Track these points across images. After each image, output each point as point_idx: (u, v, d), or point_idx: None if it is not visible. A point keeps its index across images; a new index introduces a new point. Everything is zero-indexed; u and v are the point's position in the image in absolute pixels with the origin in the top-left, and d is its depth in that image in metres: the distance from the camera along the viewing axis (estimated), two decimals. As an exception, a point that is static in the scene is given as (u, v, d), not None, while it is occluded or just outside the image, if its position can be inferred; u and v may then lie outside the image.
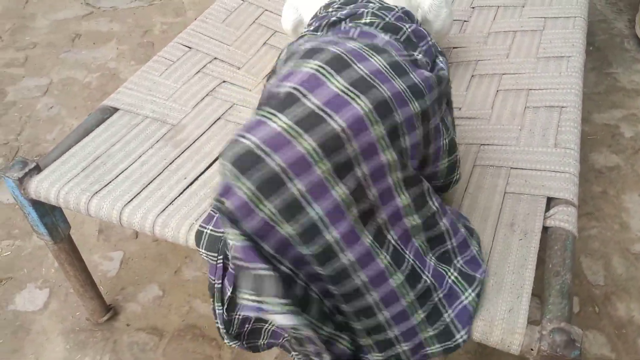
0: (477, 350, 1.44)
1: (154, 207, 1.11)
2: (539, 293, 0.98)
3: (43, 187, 1.16)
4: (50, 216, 1.25)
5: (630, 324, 1.49)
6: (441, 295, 0.90)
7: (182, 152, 1.25)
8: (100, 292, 1.50)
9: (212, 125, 1.33)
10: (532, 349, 0.86)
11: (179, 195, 1.14)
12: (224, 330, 1.00)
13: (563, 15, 1.64)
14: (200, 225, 1.06)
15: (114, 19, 2.76)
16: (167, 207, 1.12)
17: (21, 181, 1.16)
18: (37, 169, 1.19)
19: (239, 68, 1.52)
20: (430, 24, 1.38)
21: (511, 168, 1.18)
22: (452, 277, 0.92)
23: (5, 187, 1.90)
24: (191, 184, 1.18)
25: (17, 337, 1.53)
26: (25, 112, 2.24)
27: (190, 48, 1.56)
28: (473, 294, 0.91)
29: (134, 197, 1.13)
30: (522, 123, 1.29)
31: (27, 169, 1.17)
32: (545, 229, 1.06)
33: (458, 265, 0.94)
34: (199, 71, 1.49)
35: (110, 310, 1.54)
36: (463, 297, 0.91)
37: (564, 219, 1.05)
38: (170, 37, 2.60)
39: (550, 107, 1.32)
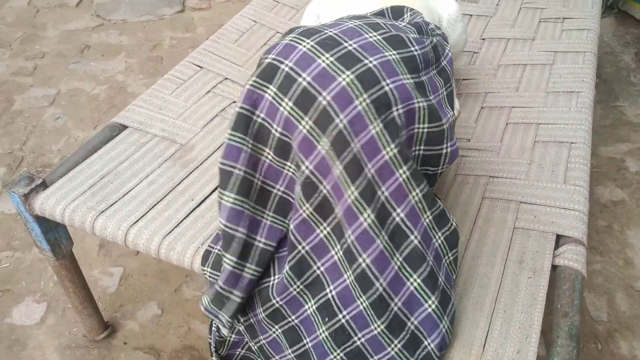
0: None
1: (160, 229, 1.10)
2: (544, 331, 0.97)
3: (49, 204, 1.15)
4: (54, 232, 1.24)
5: (633, 363, 1.48)
6: (400, 304, 0.91)
7: (190, 173, 1.25)
8: (98, 309, 1.48)
9: (220, 146, 1.32)
10: (539, 392, 0.85)
11: (186, 217, 1.14)
12: (214, 348, 1.07)
13: (573, 50, 1.65)
14: (208, 245, 1.06)
15: (124, 32, 2.77)
16: (173, 229, 1.11)
17: (27, 197, 1.15)
18: (44, 185, 1.18)
19: (249, 89, 1.52)
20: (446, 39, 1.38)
21: (520, 202, 1.18)
22: (415, 284, 0.91)
23: (7, 197, 1.90)
24: (198, 205, 1.17)
25: (13, 351, 1.51)
26: (32, 121, 2.24)
27: (201, 67, 1.56)
28: (436, 302, 0.91)
29: (140, 217, 1.13)
30: (532, 157, 1.29)
31: (33, 185, 1.16)
32: (553, 267, 1.05)
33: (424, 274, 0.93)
34: (209, 91, 1.49)
35: (108, 328, 1.52)
36: (426, 305, 0.90)
37: (574, 258, 1.04)
38: (179, 52, 2.63)
39: (559, 143, 1.32)
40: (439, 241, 0.95)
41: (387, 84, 0.86)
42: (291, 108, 0.86)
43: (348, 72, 0.84)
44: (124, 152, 1.29)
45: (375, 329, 0.90)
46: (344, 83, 0.84)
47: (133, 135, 1.34)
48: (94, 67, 2.54)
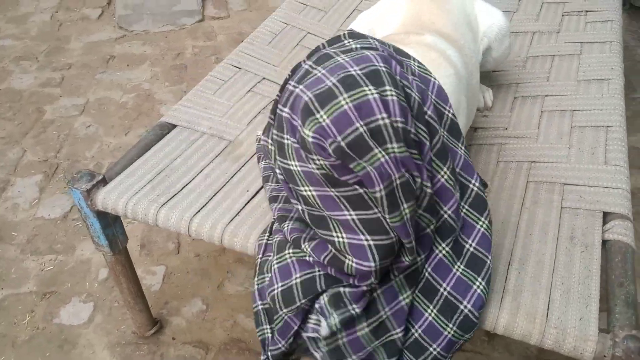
0: (537, 356, 1.46)
1: (222, 218, 1.14)
2: (601, 302, 1.00)
3: (111, 198, 1.19)
4: (112, 228, 1.28)
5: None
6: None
7: (242, 167, 1.29)
8: (148, 305, 1.52)
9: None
10: (604, 356, 0.88)
11: (244, 207, 1.18)
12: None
13: (599, 40, 1.70)
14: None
15: (147, 42, 2.83)
16: (233, 217, 1.15)
17: (89, 193, 1.19)
18: (104, 181, 1.23)
19: (287, 88, 1.57)
20: (491, 52, 1.43)
21: (564, 184, 1.22)
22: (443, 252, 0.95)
23: (47, 202, 1.95)
24: (254, 196, 1.21)
25: (63, 350, 1.55)
26: (64, 130, 2.29)
27: (239, 68, 1.61)
28: (462, 267, 0.95)
29: (201, 208, 1.17)
30: (570, 142, 1.33)
31: (94, 181, 1.20)
32: (603, 243, 1.09)
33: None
34: (249, 90, 1.54)
35: (157, 324, 1.56)
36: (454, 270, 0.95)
37: (622, 232, 1.08)
38: (202, 60, 2.69)
39: (596, 127, 1.36)
40: (464, 209, 0.98)
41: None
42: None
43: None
44: (177, 149, 1.33)
45: (408, 296, 0.94)
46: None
47: (183, 133, 1.38)
48: (119, 76, 2.60)
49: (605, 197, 1.17)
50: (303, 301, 0.93)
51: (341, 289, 0.91)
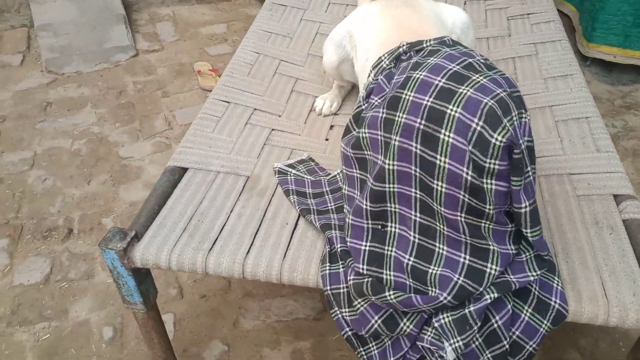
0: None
1: (274, 255, 1.14)
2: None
3: (150, 253, 1.15)
4: (145, 283, 1.23)
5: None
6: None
7: (271, 200, 1.29)
8: (176, 358, 1.46)
9: (285, 171, 1.38)
10: (664, 323, 0.99)
11: (290, 240, 1.18)
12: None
13: (549, 39, 1.87)
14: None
15: (82, 84, 2.70)
16: (285, 252, 1.15)
17: (125, 251, 1.14)
18: (137, 237, 1.18)
19: (279, 116, 1.58)
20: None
21: (570, 174, 1.34)
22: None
23: (21, 268, 1.80)
24: (295, 228, 1.22)
25: (85, 421, 1.45)
26: (17, 188, 2.12)
27: (229, 102, 1.60)
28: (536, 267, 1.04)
29: (249, 248, 1.16)
30: (560, 135, 1.46)
31: (128, 238, 1.15)
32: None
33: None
34: (247, 123, 1.53)
35: (184, 374, 1.51)
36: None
37: (636, 211, 1.21)
38: (148, 96, 2.61)
39: (577, 119, 1.50)
40: None
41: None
42: None
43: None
44: (198, 192, 1.30)
45: (510, 302, 1.01)
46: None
47: (197, 175, 1.35)
48: (63, 123, 2.46)
49: (609, 182, 1.30)
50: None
51: (466, 311, 0.95)
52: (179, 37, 3.08)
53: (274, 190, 1.32)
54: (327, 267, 1.10)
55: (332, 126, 1.56)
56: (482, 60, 1.02)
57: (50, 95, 2.63)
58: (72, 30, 2.89)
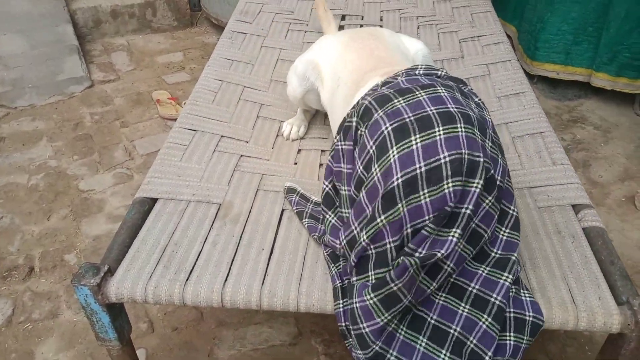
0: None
1: (253, 282, 1.14)
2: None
3: (125, 287, 1.13)
4: (120, 319, 1.20)
5: None
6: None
7: (245, 226, 1.29)
8: (151, 393, 1.43)
9: (255, 197, 1.39)
10: (629, 324, 1.05)
11: (267, 265, 1.19)
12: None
13: (499, 60, 1.96)
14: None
15: (37, 117, 2.64)
16: (264, 279, 1.15)
17: (99, 286, 1.12)
18: (110, 272, 1.16)
19: (247, 142, 1.60)
20: None
21: (530, 187, 1.40)
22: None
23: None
24: (271, 253, 1.22)
25: None
26: (-28, 227, 2.05)
27: (195, 131, 1.60)
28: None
29: (227, 276, 1.15)
30: (517, 150, 1.53)
31: (101, 273, 1.13)
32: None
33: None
34: (214, 150, 1.54)
35: (160, 410, 1.47)
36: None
37: (594, 219, 1.28)
38: (106, 127, 2.57)
39: (532, 135, 1.58)
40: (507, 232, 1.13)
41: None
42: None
43: None
44: (170, 222, 1.29)
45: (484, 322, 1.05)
46: None
47: (168, 205, 1.35)
48: (18, 158, 2.39)
49: (567, 193, 1.37)
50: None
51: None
52: (135, 67, 3.06)
53: (246, 216, 1.33)
54: (341, 304, 1.11)
55: (299, 150, 1.59)
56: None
57: (4, 129, 2.56)
58: (23, 63, 2.82)
